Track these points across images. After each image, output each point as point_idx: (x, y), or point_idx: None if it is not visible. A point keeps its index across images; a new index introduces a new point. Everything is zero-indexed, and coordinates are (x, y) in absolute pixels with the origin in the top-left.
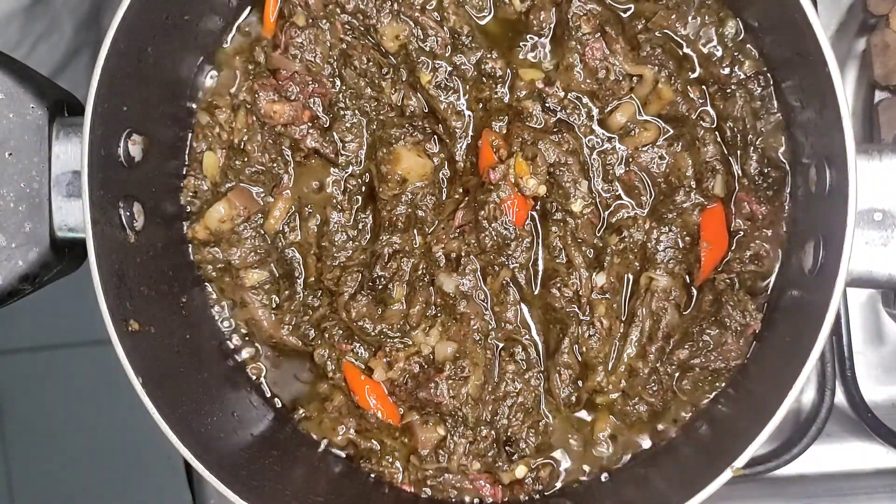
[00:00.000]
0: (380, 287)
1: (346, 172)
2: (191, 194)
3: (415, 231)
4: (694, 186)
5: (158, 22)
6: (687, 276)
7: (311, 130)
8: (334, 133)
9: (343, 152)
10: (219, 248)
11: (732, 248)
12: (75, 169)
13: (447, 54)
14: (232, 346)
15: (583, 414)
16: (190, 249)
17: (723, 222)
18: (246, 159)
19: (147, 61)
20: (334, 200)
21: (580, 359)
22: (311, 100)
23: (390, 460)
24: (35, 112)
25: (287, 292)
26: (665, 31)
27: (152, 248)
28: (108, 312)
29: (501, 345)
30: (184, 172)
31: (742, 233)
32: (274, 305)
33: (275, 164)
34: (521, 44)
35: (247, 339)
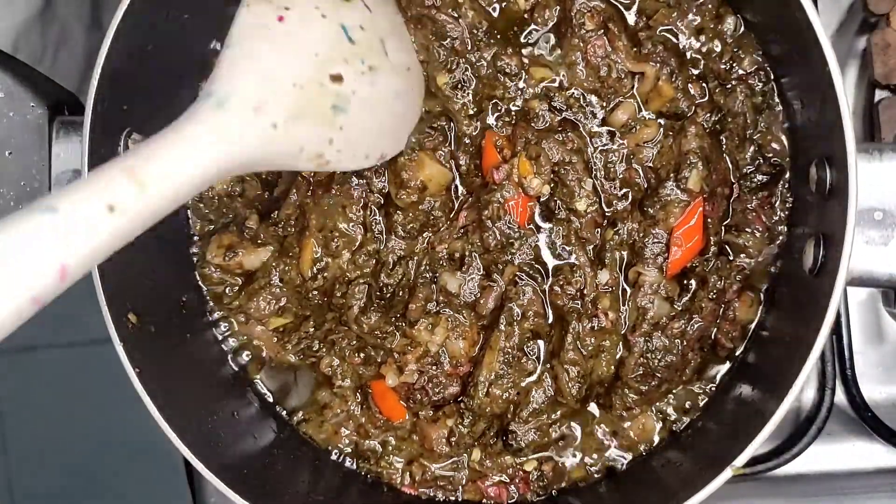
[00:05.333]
0: (388, 295)
1: (371, 186)
2: (195, 199)
3: (423, 235)
4: (673, 176)
5: (158, 21)
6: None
7: None
8: None
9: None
10: (230, 287)
11: (711, 244)
12: (76, 168)
13: (467, 51)
14: (231, 348)
15: (590, 410)
16: (192, 250)
17: (700, 218)
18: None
19: (147, 60)
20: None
21: (584, 353)
22: None
23: (390, 461)
24: (35, 111)
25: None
26: (666, 28)
27: (153, 248)
28: (107, 311)
29: (516, 340)
30: None
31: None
32: (281, 330)
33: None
34: (524, 41)
35: (245, 342)
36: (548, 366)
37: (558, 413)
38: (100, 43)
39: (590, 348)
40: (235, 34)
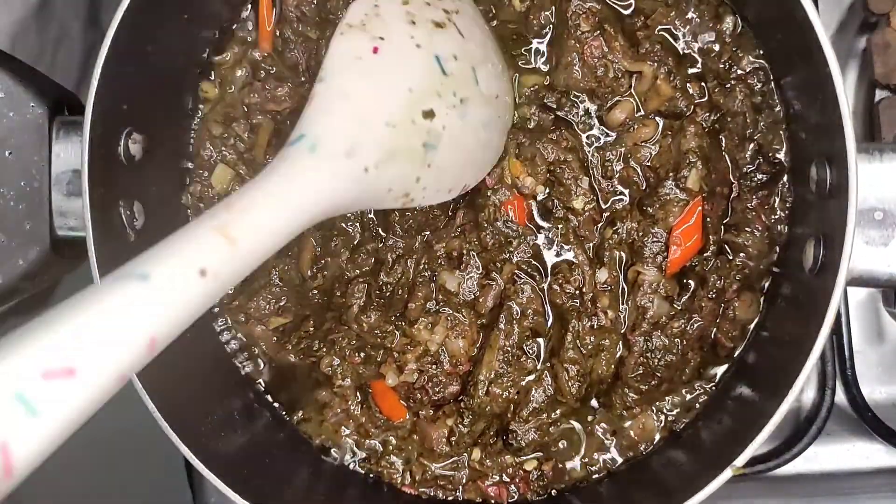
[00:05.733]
0: (387, 294)
1: None
2: (195, 199)
3: (421, 234)
4: (672, 175)
5: (158, 21)
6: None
7: None
8: None
9: None
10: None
11: (711, 243)
12: (75, 168)
13: None
14: (231, 348)
15: (590, 409)
16: None
17: (699, 217)
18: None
19: (147, 60)
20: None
21: (584, 352)
22: None
23: (390, 460)
24: (35, 111)
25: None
26: (664, 27)
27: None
28: None
29: (515, 338)
30: (188, 181)
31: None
32: (281, 330)
33: None
34: (522, 47)
35: (246, 342)
36: (547, 364)
37: (558, 412)
38: (98, 41)
39: (589, 347)
40: (329, 67)
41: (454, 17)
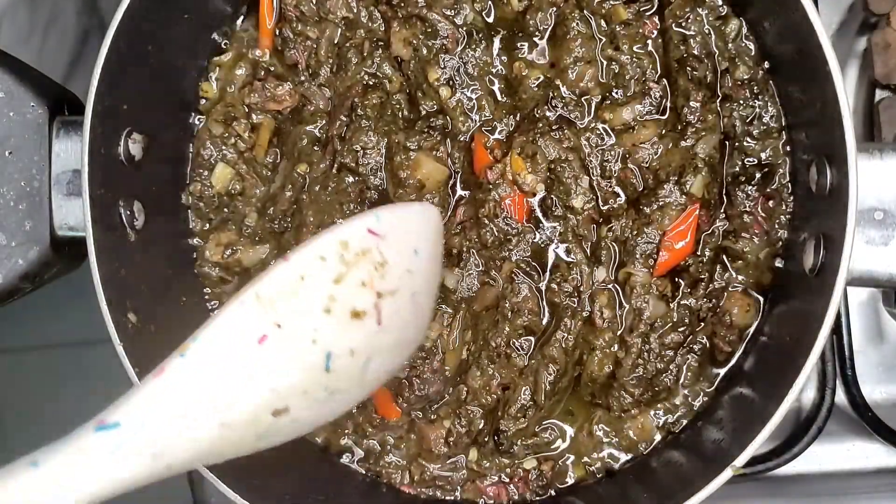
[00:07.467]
0: None
1: (368, 183)
2: (195, 198)
3: None
4: (675, 179)
5: (159, 21)
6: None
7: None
8: (355, 145)
9: (362, 162)
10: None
11: (707, 248)
12: (75, 168)
13: (458, 49)
14: None
15: (585, 410)
16: (193, 251)
17: (694, 222)
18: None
19: (148, 60)
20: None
21: (571, 351)
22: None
23: (389, 460)
24: (35, 111)
25: None
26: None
27: (152, 247)
28: (107, 311)
29: (509, 336)
30: (188, 181)
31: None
32: None
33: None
34: (518, 43)
35: None
36: (532, 362)
37: (549, 411)
38: (93, 27)
39: (581, 344)
40: (203, 346)
41: (385, 300)
